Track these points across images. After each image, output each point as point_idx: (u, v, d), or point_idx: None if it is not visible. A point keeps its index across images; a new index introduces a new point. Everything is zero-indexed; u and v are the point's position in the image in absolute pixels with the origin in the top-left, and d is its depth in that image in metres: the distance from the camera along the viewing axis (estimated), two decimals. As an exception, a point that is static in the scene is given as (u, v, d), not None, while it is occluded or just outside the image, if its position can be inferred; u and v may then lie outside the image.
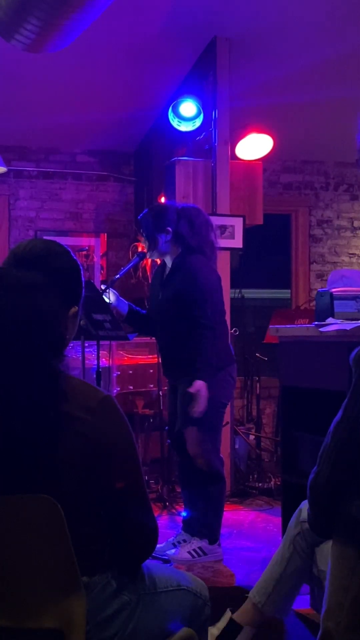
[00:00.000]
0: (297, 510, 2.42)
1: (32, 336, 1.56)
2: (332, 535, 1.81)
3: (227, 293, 5.00)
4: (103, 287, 3.82)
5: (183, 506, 4.08)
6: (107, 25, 4.42)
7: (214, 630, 2.46)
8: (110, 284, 3.84)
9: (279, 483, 4.98)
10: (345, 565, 1.73)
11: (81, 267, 1.78)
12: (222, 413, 3.87)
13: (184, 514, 3.94)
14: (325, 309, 3.20)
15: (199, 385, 3.57)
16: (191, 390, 3.56)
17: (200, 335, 3.61)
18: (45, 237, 4.74)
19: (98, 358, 3.97)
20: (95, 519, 1.65)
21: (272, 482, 5.33)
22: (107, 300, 3.78)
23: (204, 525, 3.80)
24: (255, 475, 5.50)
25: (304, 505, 2.35)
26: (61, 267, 1.71)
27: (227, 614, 2.50)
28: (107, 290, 3.79)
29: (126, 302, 3.91)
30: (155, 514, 1.77)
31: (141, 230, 3.86)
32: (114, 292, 3.83)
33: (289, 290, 7.39)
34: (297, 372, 3.30)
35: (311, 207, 7.33)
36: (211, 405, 3.69)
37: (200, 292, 3.65)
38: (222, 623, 2.49)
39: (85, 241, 6.93)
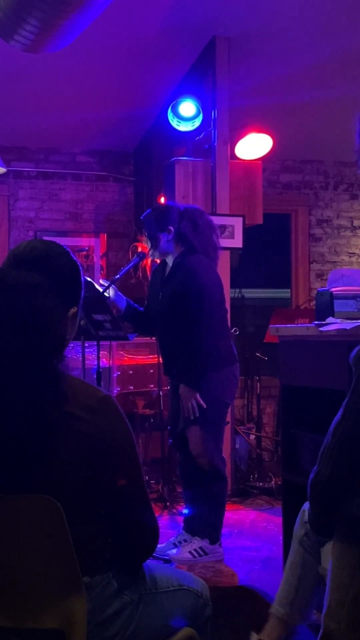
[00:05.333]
0: (300, 513, 2.41)
1: (32, 336, 1.56)
2: (333, 534, 1.81)
3: (227, 293, 5.00)
4: (104, 282, 3.82)
5: (184, 504, 4.08)
6: (106, 25, 4.42)
7: None
8: (110, 282, 3.85)
9: (279, 482, 4.98)
10: (346, 564, 1.73)
11: (81, 268, 1.78)
12: (225, 412, 3.88)
13: (185, 511, 3.93)
14: (325, 308, 3.20)
15: (182, 391, 3.65)
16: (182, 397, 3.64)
17: (191, 342, 3.63)
18: (45, 238, 4.73)
19: (98, 358, 3.97)
20: (96, 518, 1.65)
21: (273, 482, 5.33)
22: (106, 294, 3.80)
23: (206, 524, 3.80)
24: (256, 475, 5.51)
25: (307, 507, 2.34)
26: (61, 267, 1.71)
27: (254, 638, 2.43)
28: (108, 288, 3.81)
29: (124, 298, 3.93)
30: (156, 514, 1.77)
31: (143, 230, 3.88)
32: (113, 287, 3.85)
33: (289, 290, 7.39)
34: (297, 371, 3.30)
35: (311, 207, 7.33)
36: (214, 404, 3.70)
37: (197, 293, 3.65)
38: None
39: (85, 241, 6.93)
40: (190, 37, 4.96)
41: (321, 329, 2.98)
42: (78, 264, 1.76)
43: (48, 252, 1.72)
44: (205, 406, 3.65)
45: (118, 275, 3.92)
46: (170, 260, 3.85)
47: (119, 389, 5.17)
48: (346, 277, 3.55)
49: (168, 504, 4.79)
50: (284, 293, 7.50)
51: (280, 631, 2.38)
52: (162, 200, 5.58)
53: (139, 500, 1.69)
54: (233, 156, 5.57)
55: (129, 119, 6.17)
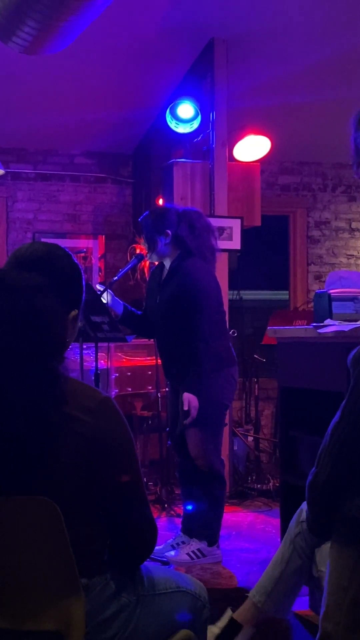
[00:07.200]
0: (298, 510, 2.42)
1: (32, 337, 1.56)
2: (331, 536, 1.81)
3: (225, 294, 5.00)
4: (100, 287, 3.82)
5: (182, 506, 4.08)
6: (105, 26, 4.42)
7: (214, 629, 2.47)
8: (108, 285, 3.85)
9: (277, 484, 4.98)
10: (344, 566, 1.73)
11: (82, 271, 1.78)
12: (224, 414, 3.88)
13: (189, 507, 3.91)
14: (323, 310, 3.20)
15: (187, 398, 3.61)
16: (184, 407, 3.62)
17: (195, 348, 3.63)
18: (43, 239, 4.74)
19: (96, 360, 3.96)
20: (95, 519, 1.66)
21: (271, 484, 5.33)
22: (103, 300, 3.80)
23: (204, 526, 3.80)
24: (254, 477, 5.51)
25: (305, 506, 2.35)
26: (62, 270, 1.72)
27: (228, 613, 2.51)
28: (105, 292, 3.81)
29: (121, 303, 3.93)
30: (154, 516, 1.77)
31: (141, 232, 3.88)
32: (109, 292, 3.85)
33: (287, 292, 7.40)
34: (295, 373, 3.30)
35: (309, 209, 7.33)
36: (213, 406, 3.70)
37: (195, 298, 3.65)
38: (222, 622, 2.50)
39: (83, 243, 6.92)
40: (189, 38, 4.96)
41: (319, 330, 2.98)
42: (79, 266, 1.77)
43: (49, 254, 1.72)
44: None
45: (116, 277, 3.92)
46: (167, 263, 3.85)
47: (117, 390, 5.16)
48: (344, 279, 3.56)
49: (166, 505, 4.79)
50: (282, 295, 7.50)
51: (252, 615, 2.48)
52: (161, 202, 5.58)
53: (138, 500, 1.69)
54: (231, 158, 5.57)
55: (127, 120, 6.17)
